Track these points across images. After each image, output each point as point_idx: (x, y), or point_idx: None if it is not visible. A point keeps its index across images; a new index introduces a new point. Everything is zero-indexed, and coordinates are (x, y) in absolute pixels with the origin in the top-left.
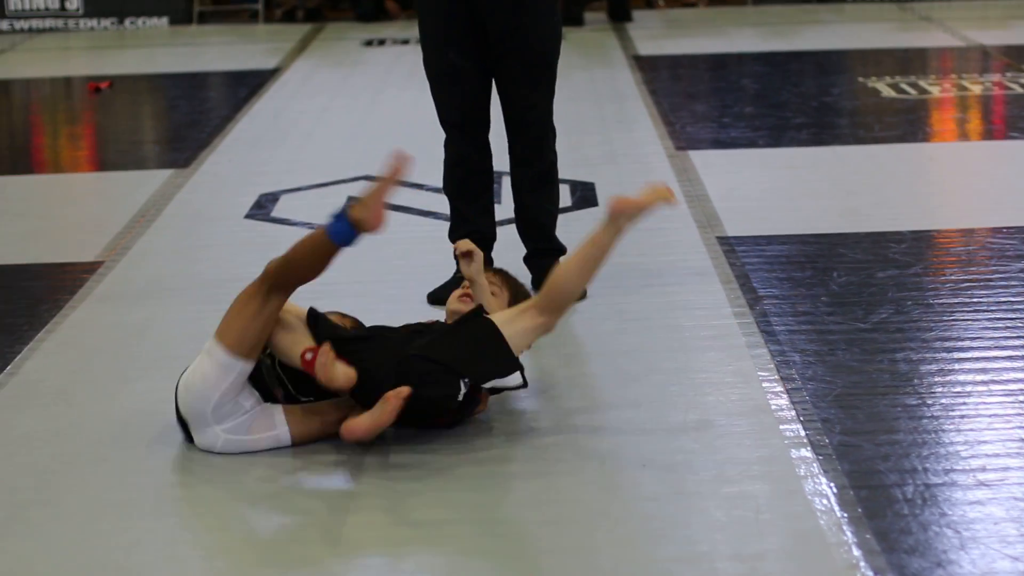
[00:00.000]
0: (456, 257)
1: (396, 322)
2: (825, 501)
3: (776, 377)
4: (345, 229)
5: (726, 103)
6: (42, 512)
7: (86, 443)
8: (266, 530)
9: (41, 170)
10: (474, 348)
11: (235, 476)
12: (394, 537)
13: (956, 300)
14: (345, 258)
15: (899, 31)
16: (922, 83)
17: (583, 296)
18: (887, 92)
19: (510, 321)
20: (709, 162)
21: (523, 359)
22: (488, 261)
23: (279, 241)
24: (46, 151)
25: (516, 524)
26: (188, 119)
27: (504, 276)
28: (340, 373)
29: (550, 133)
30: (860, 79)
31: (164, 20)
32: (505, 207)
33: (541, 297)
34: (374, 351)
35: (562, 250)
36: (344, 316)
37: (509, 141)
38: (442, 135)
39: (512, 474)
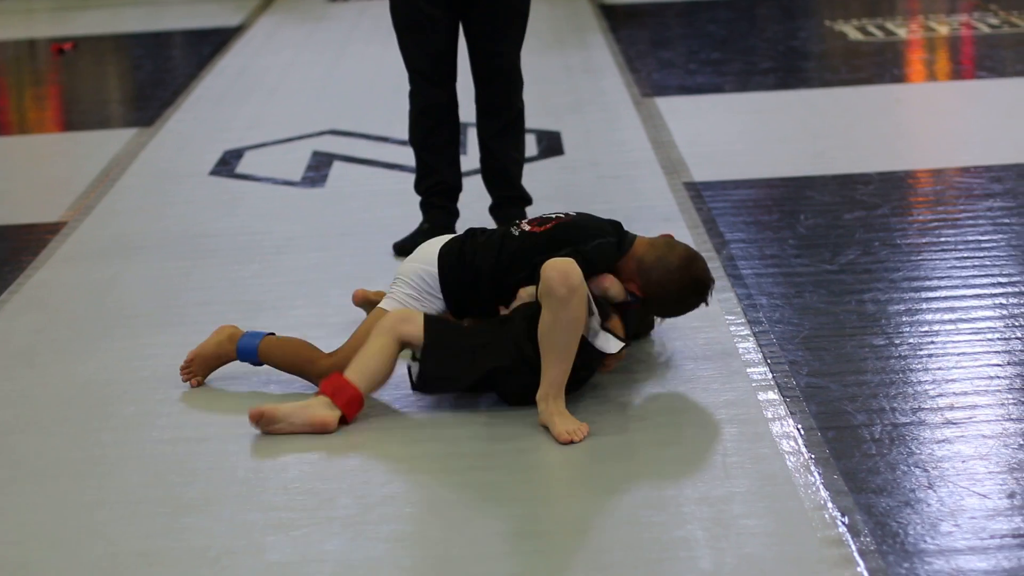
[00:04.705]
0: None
1: (360, 276)
2: (792, 443)
3: (743, 320)
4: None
5: (692, 49)
6: (4, 473)
7: (48, 404)
8: (233, 484)
9: (5, 132)
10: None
11: (201, 431)
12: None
13: (923, 240)
14: (309, 212)
15: None
16: (889, 25)
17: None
18: (854, 35)
19: None
20: (675, 108)
21: None
22: (455, 213)
23: (243, 197)
24: (10, 113)
25: (487, 472)
26: (152, 78)
27: None
28: None
29: (518, 82)
30: (827, 22)
31: None
32: (471, 158)
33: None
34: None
35: (528, 199)
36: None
37: (476, 90)
38: (406, 88)
39: (483, 423)
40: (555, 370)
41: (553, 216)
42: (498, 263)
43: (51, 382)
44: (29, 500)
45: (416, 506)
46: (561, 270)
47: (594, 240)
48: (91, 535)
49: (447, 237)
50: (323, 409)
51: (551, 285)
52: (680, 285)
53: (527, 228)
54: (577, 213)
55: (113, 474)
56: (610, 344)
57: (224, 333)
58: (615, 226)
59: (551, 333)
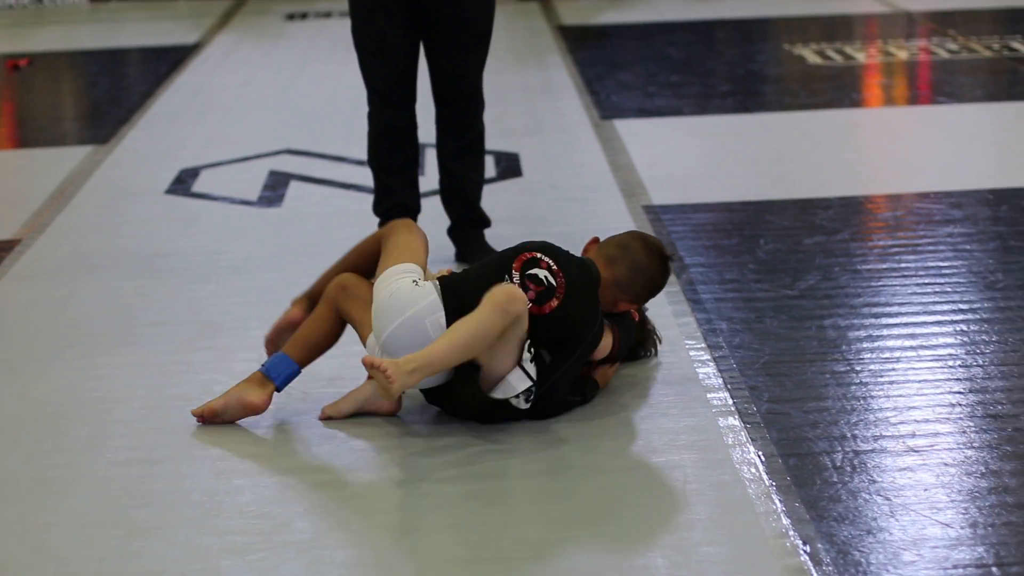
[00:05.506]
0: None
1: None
2: (753, 470)
3: (703, 345)
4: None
5: (651, 72)
6: None
7: (0, 423)
8: (187, 507)
9: None
10: None
11: (155, 453)
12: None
13: (884, 266)
14: (266, 232)
15: None
16: (848, 49)
17: None
18: (813, 59)
19: None
20: (634, 131)
21: None
22: None
23: (200, 216)
24: None
25: (444, 496)
26: (108, 95)
27: None
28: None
29: (479, 104)
30: (785, 46)
31: None
32: (430, 179)
33: None
34: None
35: (487, 221)
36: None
37: (437, 111)
38: (364, 108)
39: (440, 446)
40: (439, 351)
41: (543, 279)
42: None
43: (3, 402)
44: None
45: (372, 531)
46: (509, 293)
47: (591, 333)
48: (43, 558)
49: (421, 303)
50: (254, 390)
51: (496, 296)
52: (658, 270)
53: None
54: (565, 276)
55: (66, 496)
56: (509, 389)
57: (255, 389)
58: (592, 275)
59: (465, 322)
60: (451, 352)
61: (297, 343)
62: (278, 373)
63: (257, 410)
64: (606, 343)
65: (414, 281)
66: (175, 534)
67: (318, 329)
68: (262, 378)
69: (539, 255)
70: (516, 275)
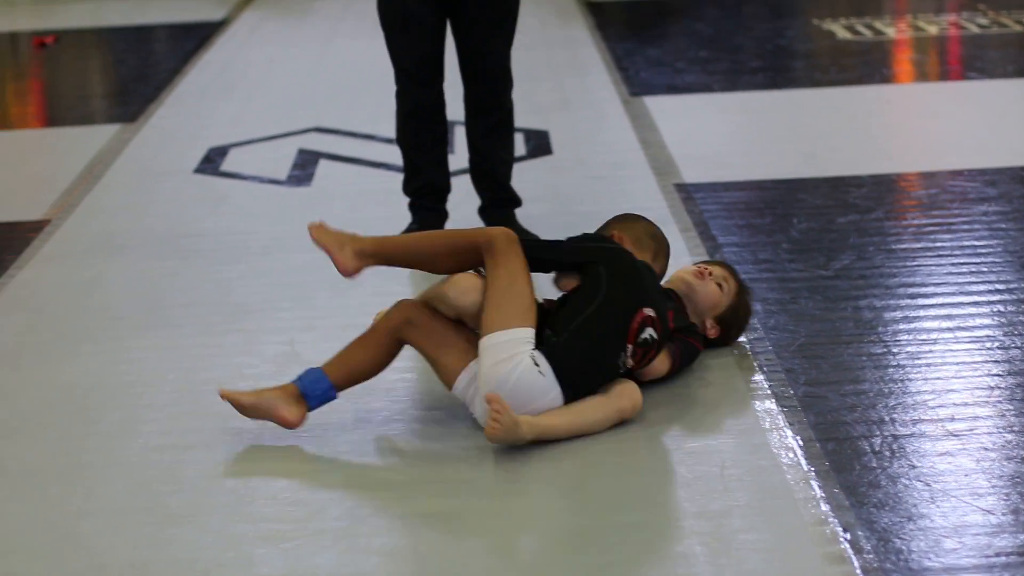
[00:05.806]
0: None
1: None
2: (791, 455)
3: None
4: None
5: (680, 48)
6: None
7: (32, 408)
8: (221, 493)
9: None
10: None
11: (187, 438)
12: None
13: (919, 245)
14: (295, 212)
15: None
16: (877, 24)
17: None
18: (842, 34)
19: None
20: (664, 107)
21: None
22: (444, 214)
23: (229, 195)
24: None
25: (475, 485)
26: (135, 73)
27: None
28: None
29: (507, 82)
30: (815, 21)
31: None
32: (459, 157)
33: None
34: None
35: (517, 201)
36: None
37: (465, 89)
38: (393, 85)
39: (478, 434)
40: (555, 430)
41: (650, 338)
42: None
43: (35, 386)
44: (13, 508)
45: (408, 518)
46: (636, 406)
47: None
48: (76, 545)
49: (544, 398)
50: (290, 406)
51: (623, 404)
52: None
53: (631, 364)
54: (662, 322)
55: (99, 482)
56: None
57: (291, 405)
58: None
59: (591, 412)
60: (566, 433)
61: (342, 365)
62: (314, 395)
63: (289, 426)
64: (662, 366)
65: (535, 362)
66: (208, 521)
67: (370, 358)
68: (298, 395)
69: (647, 312)
70: (631, 348)
